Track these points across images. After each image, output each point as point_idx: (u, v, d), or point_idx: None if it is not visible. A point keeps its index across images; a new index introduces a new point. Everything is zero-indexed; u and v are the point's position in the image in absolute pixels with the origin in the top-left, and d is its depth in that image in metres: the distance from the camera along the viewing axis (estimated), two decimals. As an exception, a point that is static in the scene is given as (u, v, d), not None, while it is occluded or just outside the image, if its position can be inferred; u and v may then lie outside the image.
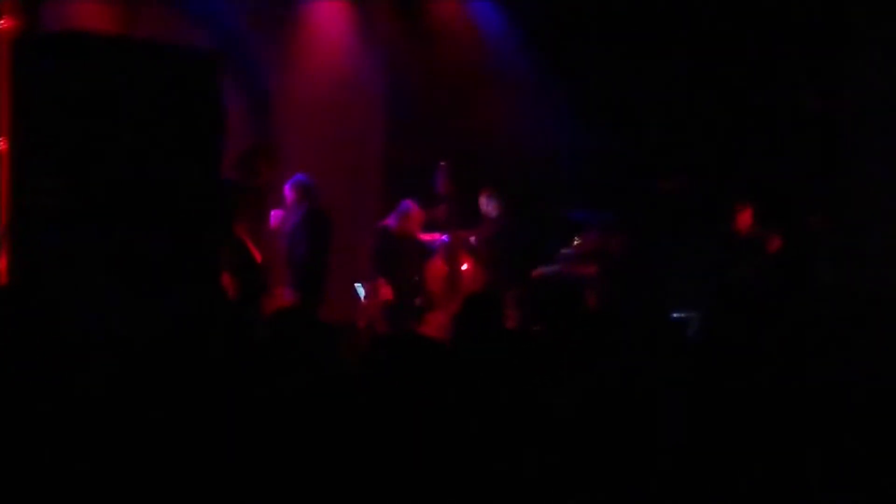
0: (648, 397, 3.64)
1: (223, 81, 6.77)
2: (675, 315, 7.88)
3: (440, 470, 3.20)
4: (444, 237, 8.99)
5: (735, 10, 9.79)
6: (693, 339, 4.61)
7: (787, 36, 9.73)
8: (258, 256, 7.87)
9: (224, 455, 3.17)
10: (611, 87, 10.08)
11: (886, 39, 9.51)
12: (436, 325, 8.33)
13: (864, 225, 9.54)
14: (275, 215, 8.38)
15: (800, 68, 9.81)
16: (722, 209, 9.31)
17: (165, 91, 6.37)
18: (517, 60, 10.29)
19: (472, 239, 9.12)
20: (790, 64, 9.80)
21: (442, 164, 9.08)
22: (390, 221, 8.93)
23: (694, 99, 9.95)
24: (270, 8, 9.54)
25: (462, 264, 8.95)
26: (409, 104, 10.20)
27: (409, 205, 8.91)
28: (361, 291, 8.96)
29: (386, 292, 8.73)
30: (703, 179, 9.66)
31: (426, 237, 9.07)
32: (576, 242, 9.22)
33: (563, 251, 9.21)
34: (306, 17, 9.88)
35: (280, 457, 3.18)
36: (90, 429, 3.24)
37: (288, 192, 8.35)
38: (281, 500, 3.13)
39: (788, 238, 9.09)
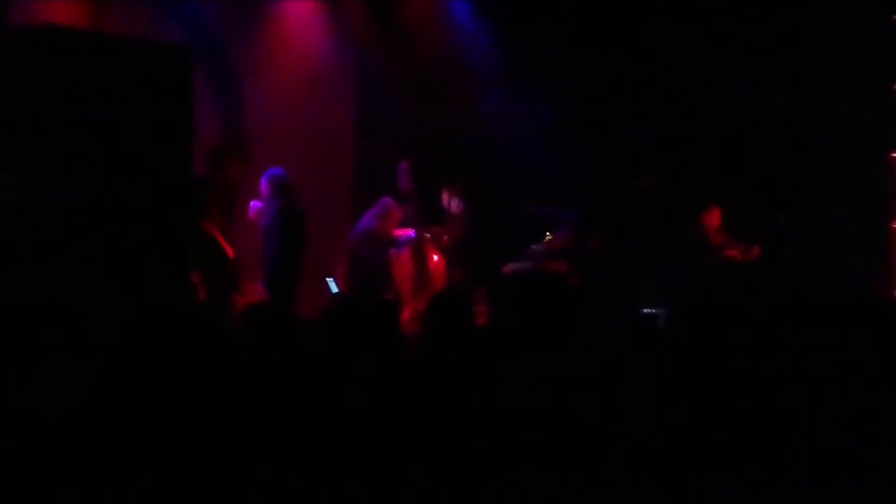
0: (619, 393, 3.66)
1: (193, 76, 6.74)
2: (644, 311, 7.93)
3: (413, 467, 3.21)
4: (411, 233, 8.98)
5: (705, 8, 9.84)
6: (661, 334, 4.63)
7: (756, 34, 9.79)
8: (230, 252, 7.84)
9: (196, 454, 3.16)
10: (584, 85, 10.11)
11: (854, 37, 9.59)
12: (404, 321, 8.32)
13: (831, 221, 9.63)
14: (253, 206, 8.35)
15: (768, 66, 9.87)
16: (690, 209, 9.38)
17: (134, 85, 6.33)
18: (489, 56, 10.30)
19: (445, 237, 9.11)
20: (759, 62, 9.87)
21: (403, 161, 9.06)
22: (371, 223, 8.86)
23: (665, 98, 10.00)
24: (241, 3, 9.51)
25: (429, 260, 8.94)
26: (380, 100, 10.19)
27: (389, 202, 8.88)
28: (333, 287, 8.94)
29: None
30: (675, 178, 9.71)
31: (395, 233, 9.07)
32: (547, 239, 9.24)
33: (534, 248, 9.23)
34: (277, 13, 9.86)
35: (253, 453, 3.18)
36: (60, 430, 3.23)
37: (263, 185, 8.33)
38: (257, 495, 3.13)
39: (762, 242, 9.15)
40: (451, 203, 9.15)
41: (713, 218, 9.29)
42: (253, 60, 9.63)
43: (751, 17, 9.76)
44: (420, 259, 8.87)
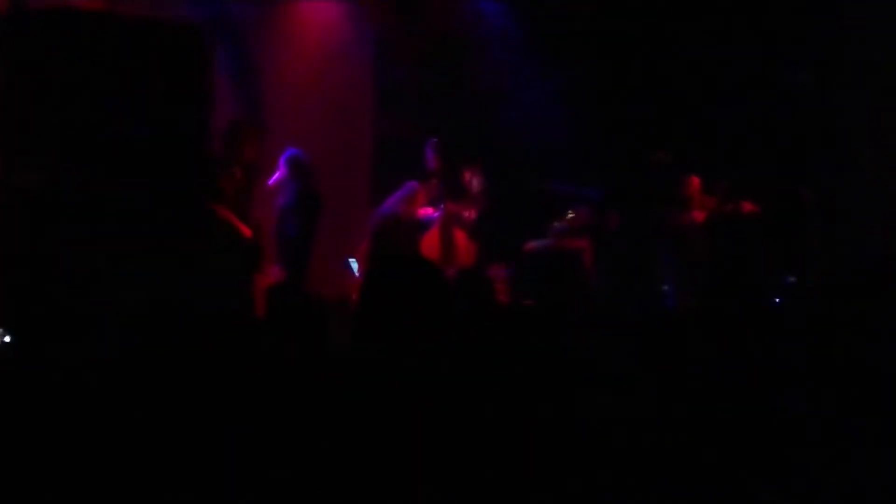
0: (639, 372, 3.65)
1: (212, 56, 6.75)
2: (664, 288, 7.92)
3: (431, 447, 3.20)
4: (437, 212, 8.98)
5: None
6: (677, 313, 4.62)
7: (779, 8, 9.72)
8: (247, 232, 7.86)
9: (219, 436, 3.16)
10: (600, 60, 10.06)
11: (878, 10, 9.51)
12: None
13: (856, 197, 9.57)
14: (274, 177, 8.37)
15: (792, 40, 9.80)
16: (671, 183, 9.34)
17: (154, 66, 6.34)
18: (508, 32, 10.27)
19: (467, 214, 9.10)
20: (782, 36, 9.80)
21: (432, 140, 9.06)
22: (396, 206, 8.85)
23: (685, 72, 9.94)
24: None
25: (456, 238, 8.94)
26: (399, 79, 10.18)
27: (415, 186, 8.88)
28: (355, 267, 8.94)
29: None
30: (693, 153, 9.65)
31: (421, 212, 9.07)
32: (568, 216, 9.22)
33: (555, 225, 9.22)
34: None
35: (273, 434, 3.18)
36: (80, 404, 3.24)
37: (281, 166, 8.35)
38: (277, 477, 3.13)
39: (786, 218, 9.10)
40: (472, 182, 9.15)
41: (691, 187, 9.27)
42: (272, 42, 9.63)
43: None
44: (447, 236, 8.88)
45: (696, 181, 9.25)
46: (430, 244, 8.85)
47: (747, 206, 9.06)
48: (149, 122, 6.31)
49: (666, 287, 7.82)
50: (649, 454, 3.28)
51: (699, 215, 9.14)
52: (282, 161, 8.36)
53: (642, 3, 9.91)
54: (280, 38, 9.69)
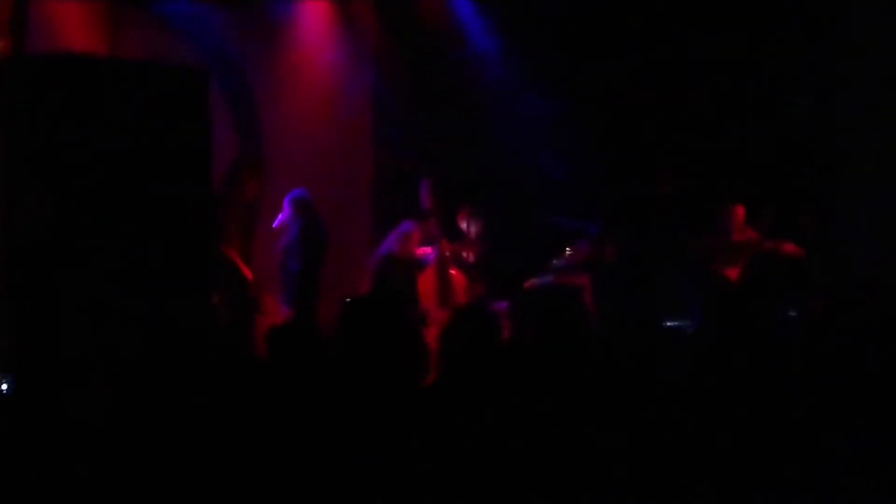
0: (644, 406, 3.64)
1: (210, 97, 6.78)
2: (669, 324, 7.86)
3: (438, 482, 3.20)
4: (433, 251, 8.98)
5: (725, 6, 9.79)
6: (690, 347, 4.59)
7: (779, 32, 9.73)
8: (249, 274, 7.86)
9: (222, 476, 3.16)
10: (597, 90, 10.06)
11: (881, 37, 9.51)
12: (429, 338, 8.30)
13: (855, 224, 9.54)
14: (279, 218, 8.40)
15: (792, 66, 9.81)
16: (713, 210, 9.28)
17: (153, 109, 6.37)
18: (505, 66, 10.29)
19: (465, 255, 9.09)
20: (782, 62, 9.81)
21: (425, 180, 9.04)
22: (391, 246, 8.86)
23: (683, 99, 9.93)
24: (257, 23, 9.56)
25: (451, 277, 8.93)
26: (397, 114, 10.20)
27: (410, 226, 8.88)
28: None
29: None
30: (695, 182, 9.61)
31: (419, 251, 9.06)
32: (568, 252, 9.20)
33: (556, 262, 9.20)
34: (292, 31, 9.89)
35: (279, 472, 3.18)
36: (83, 446, 3.24)
37: (286, 206, 8.38)
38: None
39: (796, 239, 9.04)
40: (469, 226, 9.15)
41: (734, 216, 9.19)
42: (270, 80, 9.67)
43: (773, 16, 9.69)
44: (443, 276, 8.87)
45: (740, 210, 9.18)
46: (426, 283, 8.85)
47: (788, 247, 8.98)
48: (150, 162, 6.34)
49: (689, 321, 7.71)
50: (652, 489, 3.27)
51: (739, 245, 9.05)
52: (286, 201, 8.39)
53: (641, 29, 9.91)
54: (278, 77, 9.73)
